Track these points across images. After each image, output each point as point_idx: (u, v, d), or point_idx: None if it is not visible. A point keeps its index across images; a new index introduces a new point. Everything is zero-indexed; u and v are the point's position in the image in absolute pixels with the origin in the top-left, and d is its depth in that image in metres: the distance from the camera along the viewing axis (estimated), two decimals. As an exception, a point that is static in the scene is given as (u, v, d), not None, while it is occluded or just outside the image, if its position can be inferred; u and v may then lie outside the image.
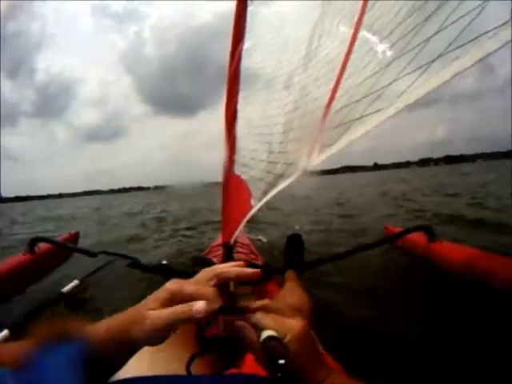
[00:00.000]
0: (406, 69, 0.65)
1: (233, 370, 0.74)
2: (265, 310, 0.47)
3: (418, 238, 2.32)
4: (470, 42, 0.50)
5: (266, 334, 0.42)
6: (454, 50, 0.53)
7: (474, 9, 0.51)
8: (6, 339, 1.09)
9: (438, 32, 0.59)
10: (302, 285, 1.50)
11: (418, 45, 0.63)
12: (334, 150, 0.87)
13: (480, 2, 0.49)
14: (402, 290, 2.16)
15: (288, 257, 1.75)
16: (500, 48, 0.45)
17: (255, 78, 1.57)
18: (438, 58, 0.56)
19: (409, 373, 1.29)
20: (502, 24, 0.44)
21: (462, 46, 0.52)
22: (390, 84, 0.69)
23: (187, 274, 1.64)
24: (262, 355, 0.42)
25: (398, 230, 2.48)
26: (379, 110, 0.70)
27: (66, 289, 1.35)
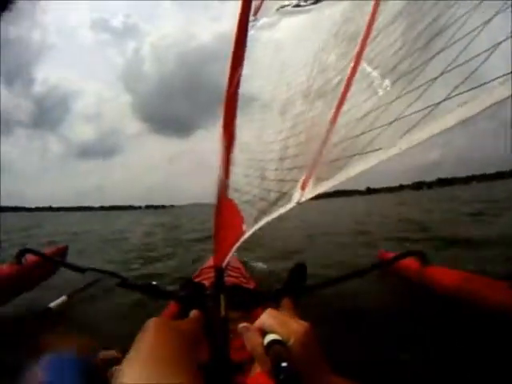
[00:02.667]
0: (409, 108, 0.62)
1: None
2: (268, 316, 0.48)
3: (411, 262, 2.33)
4: (478, 87, 0.48)
5: (269, 337, 0.44)
6: (460, 93, 0.51)
7: (481, 53, 0.49)
8: None
9: (442, 73, 0.57)
10: (298, 313, 1.47)
11: (422, 85, 0.61)
12: (329, 184, 0.84)
13: (490, 47, 0.47)
14: (398, 315, 2.14)
15: (288, 284, 1.72)
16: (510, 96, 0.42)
17: (252, 102, 1.56)
18: (443, 101, 0.53)
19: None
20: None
21: (469, 90, 0.49)
22: (392, 123, 0.66)
23: (174, 295, 1.60)
24: (266, 358, 0.42)
25: (392, 254, 2.48)
26: (380, 149, 0.67)
27: (53, 304, 1.30)
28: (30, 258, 2.20)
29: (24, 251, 2.15)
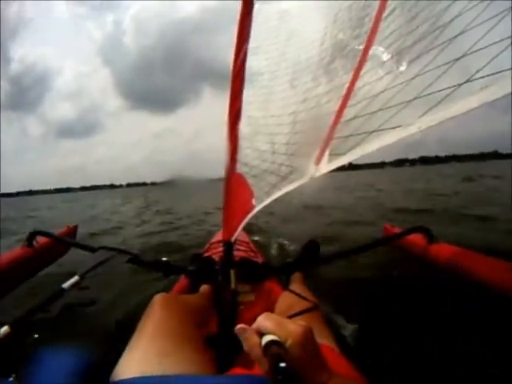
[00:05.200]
0: (429, 87, 0.65)
1: (238, 369, 0.75)
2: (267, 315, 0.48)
3: (417, 238, 2.32)
4: (497, 73, 0.51)
5: (267, 338, 0.44)
6: (481, 78, 0.54)
7: (504, 39, 0.51)
8: (7, 336, 1.07)
9: (461, 57, 0.59)
10: (307, 287, 1.55)
11: (443, 64, 0.63)
12: (345, 159, 0.87)
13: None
14: (402, 291, 2.20)
15: (300, 259, 1.78)
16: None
17: (258, 75, 1.55)
18: (465, 82, 0.56)
19: (410, 374, 1.33)
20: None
21: (491, 75, 0.52)
22: (411, 101, 0.69)
23: (185, 270, 1.65)
24: (264, 359, 0.43)
25: (397, 230, 2.52)
26: (399, 126, 0.70)
27: (66, 284, 1.32)
28: (41, 239, 2.23)
29: (34, 233, 2.18)
